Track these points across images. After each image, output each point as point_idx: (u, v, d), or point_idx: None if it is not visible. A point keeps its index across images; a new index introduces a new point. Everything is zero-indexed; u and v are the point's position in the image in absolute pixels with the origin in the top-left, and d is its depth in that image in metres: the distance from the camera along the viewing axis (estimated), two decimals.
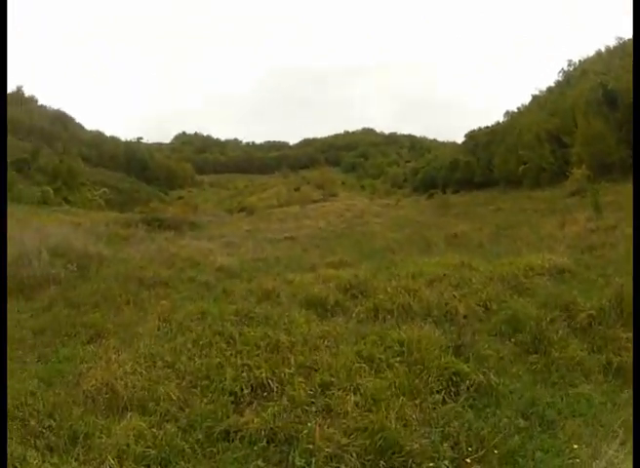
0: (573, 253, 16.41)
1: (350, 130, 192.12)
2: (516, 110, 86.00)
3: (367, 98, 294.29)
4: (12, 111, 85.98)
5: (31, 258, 15.27)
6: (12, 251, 15.51)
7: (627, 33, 67.76)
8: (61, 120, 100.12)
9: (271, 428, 6.07)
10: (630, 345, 7.95)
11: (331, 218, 45.19)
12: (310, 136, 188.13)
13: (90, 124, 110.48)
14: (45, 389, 7.49)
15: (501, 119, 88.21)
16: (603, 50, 76.49)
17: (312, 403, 6.69)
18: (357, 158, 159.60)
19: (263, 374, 7.34)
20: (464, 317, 10.07)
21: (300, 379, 7.22)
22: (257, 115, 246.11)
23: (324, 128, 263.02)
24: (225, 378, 7.31)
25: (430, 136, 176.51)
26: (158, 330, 9.77)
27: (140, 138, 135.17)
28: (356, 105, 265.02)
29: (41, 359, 9.12)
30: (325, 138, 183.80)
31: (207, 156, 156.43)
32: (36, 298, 13.35)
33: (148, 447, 5.74)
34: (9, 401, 6.58)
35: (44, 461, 5.65)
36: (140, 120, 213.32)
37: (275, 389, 7.12)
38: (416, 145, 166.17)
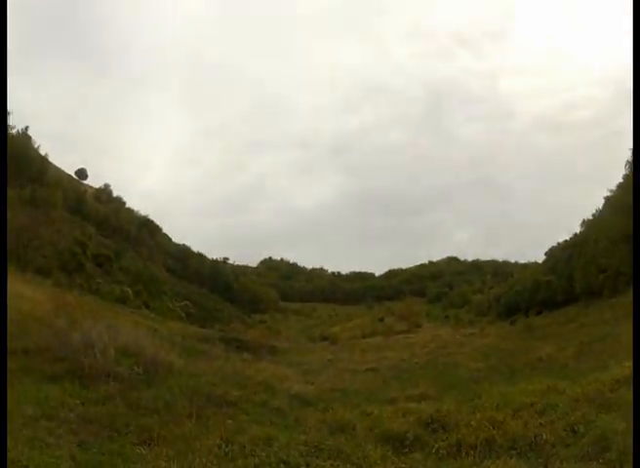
0: None
1: (435, 259, 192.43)
2: (591, 217, 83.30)
3: (449, 225, 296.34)
4: (99, 207, 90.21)
5: (96, 351, 14.97)
6: (79, 339, 15.60)
7: None
8: (149, 227, 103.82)
9: None
10: None
11: (414, 350, 44.61)
12: (395, 266, 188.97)
13: (175, 237, 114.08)
14: None
15: (579, 229, 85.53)
16: None
17: None
18: (442, 288, 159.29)
19: None
20: (551, 445, 9.28)
21: None
22: (341, 245, 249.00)
23: (409, 257, 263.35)
24: None
25: (512, 260, 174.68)
26: (218, 448, 9.05)
27: (227, 259, 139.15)
28: (438, 233, 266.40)
29: (82, 445, 8.82)
30: (410, 269, 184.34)
31: (292, 283, 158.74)
32: (92, 389, 12.93)
33: None
34: None
35: None
36: (223, 240, 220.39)
37: None
38: (499, 270, 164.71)
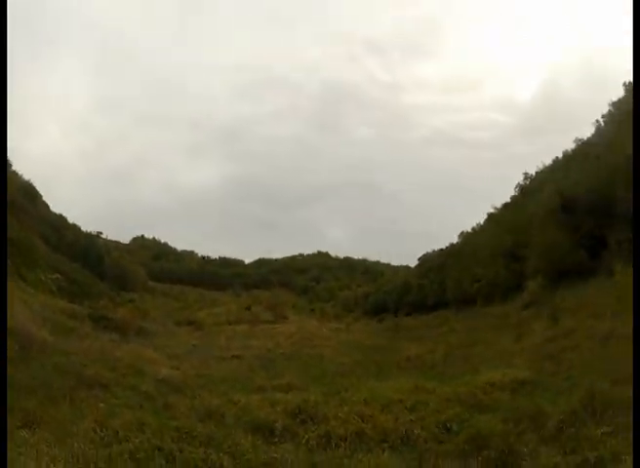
0: (532, 364, 16.50)
1: (305, 253, 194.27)
2: (471, 231, 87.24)
3: (327, 222, 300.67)
4: None
5: None
6: None
7: (586, 134, 70.69)
8: (30, 194, 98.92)
9: None
10: (606, 438, 8.05)
11: (280, 340, 44.64)
12: (267, 256, 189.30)
13: (56, 207, 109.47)
14: None
15: (456, 240, 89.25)
16: (560, 156, 78.71)
17: None
18: (310, 282, 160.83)
19: None
20: (424, 441, 9.78)
21: None
22: (216, 229, 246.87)
23: (281, 249, 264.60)
24: None
25: (384, 261, 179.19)
26: (94, 432, 9.12)
27: (100, 233, 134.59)
28: (316, 228, 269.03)
29: None
30: (280, 260, 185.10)
31: (162, 264, 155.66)
32: None
33: None
34: None
35: None
36: (103, 213, 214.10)
37: None
38: (369, 269, 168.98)
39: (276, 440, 10.14)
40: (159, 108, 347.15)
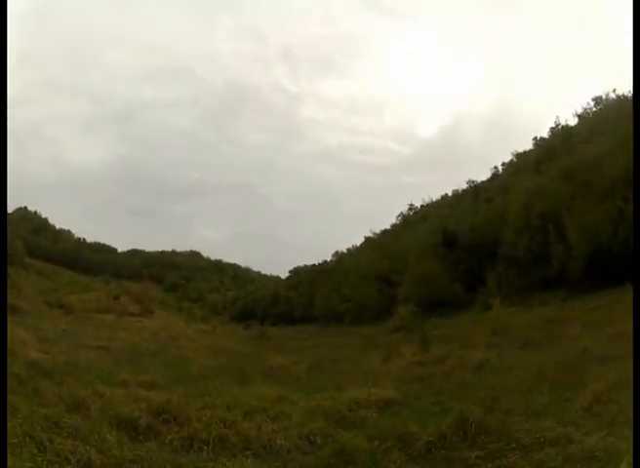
0: (400, 385, 16.58)
1: (179, 249, 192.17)
2: (346, 251, 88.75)
3: (203, 220, 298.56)
4: None
5: None
6: None
7: (480, 176, 73.97)
8: None
9: None
10: (481, 462, 8.18)
11: (146, 335, 44.06)
12: (140, 247, 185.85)
13: None
14: None
15: (329, 258, 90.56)
16: (450, 193, 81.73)
17: None
18: (180, 279, 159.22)
19: None
20: (287, 451, 9.75)
21: None
22: (94, 211, 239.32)
23: (155, 241, 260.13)
24: None
25: (255, 268, 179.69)
26: None
27: None
28: (190, 225, 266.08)
29: None
30: (152, 253, 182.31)
31: (40, 241, 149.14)
32: None
33: None
34: None
35: None
36: None
37: None
38: (239, 275, 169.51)
39: (140, 437, 10.00)
40: (64, 76, 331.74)
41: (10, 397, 10.19)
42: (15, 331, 21.69)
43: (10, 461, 7.06)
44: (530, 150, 73.26)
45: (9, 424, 8.32)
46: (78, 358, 21.03)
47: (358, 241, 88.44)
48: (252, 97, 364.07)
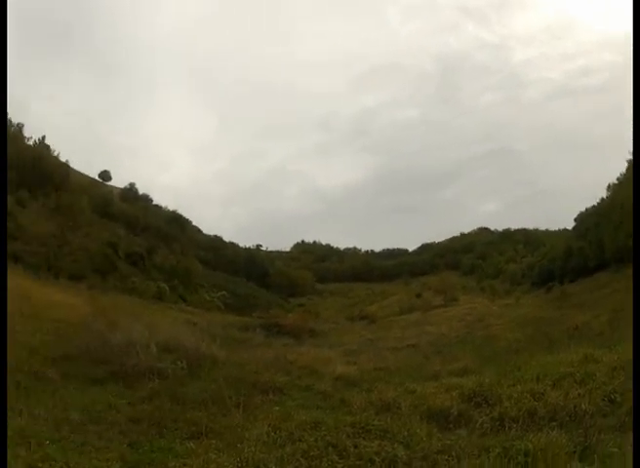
0: None
1: (465, 231, 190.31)
2: (616, 181, 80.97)
3: (472, 197, 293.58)
4: (126, 207, 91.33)
5: (138, 350, 15.32)
6: (119, 340, 16.09)
7: None
8: (178, 222, 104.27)
9: None
10: None
11: (452, 324, 44.40)
12: (427, 241, 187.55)
13: (206, 228, 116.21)
14: None
15: (605, 194, 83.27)
16: None
17: None
18: (475, 260, 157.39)
19: None
20: (590, 416, 9.32)
21: None
22: (370, 224, 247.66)
23: (439, 231, 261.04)
24: None
25: (542, 227, 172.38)
26: (267, 436, 9.18)
27: (260, 246, 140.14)
28: (463, 205, 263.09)
29: (132, 445, 9.00)
30: (442, 242, 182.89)
31: (327, 265, 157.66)
32: (137, 388, 13.28)
33: None
34: None
35: None
36: (251, 227, 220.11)
37: None
38: (530, 239, 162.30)
39: (451, 426, 9.98)
40: (280, 117, 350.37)
41: (314, 413, 10.89)
42: (317, 353, 22.57)
43: None
44: None
45: (311, 438, 8.79)
46: (387, 362, 21.42)
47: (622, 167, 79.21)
48: (462, 64, 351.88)
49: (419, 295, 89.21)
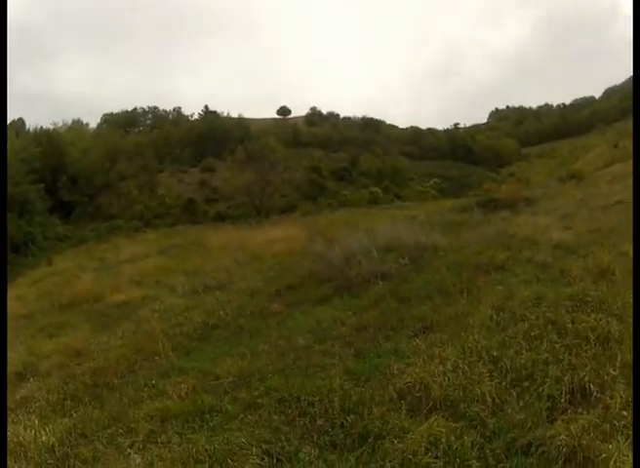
0: None
1: None
2: None
3: None
4: (316, 130, 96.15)
5: (359, 258, 15.45)
6: (339, 253, 16.45)
7: None
8: (372, 125, 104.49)
9: (574, 445, 5.36)
10: None
11: None
12: (606, 85, 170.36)
13: (400, 123, 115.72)
14: (352, 386, 7.65)
15: None
16: None
17: (624, 416, 5.77)
18: None
19: (586, 377, 6.62)
20: None
21: (623, 383, 6.37)
22: (550, 76, 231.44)
23: (620, 72, 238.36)
24: (547, 379, 6.74)
25: None
26: (490, 320, 9.38)
27: (457, 124, 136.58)
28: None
29: (358, 354, 9.22)
30: (625, 82, 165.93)
31: (526, 127, 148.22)
32: (362, 296, 13.43)
33: (437, 457, 5.55)
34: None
35: (319, 458, 5.85)
36: (445, 109, 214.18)
37: (594, 395, 6.38)
38: None
39: None
40: None
41: (535, 287, 10.88)
42: (534, 222, 21.26)
43: (525, 355, 7.48)
44: None
45: (532, 317, 8.93)
46: (599, 223, 19.77)
47: None
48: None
49: (616, 145, 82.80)
